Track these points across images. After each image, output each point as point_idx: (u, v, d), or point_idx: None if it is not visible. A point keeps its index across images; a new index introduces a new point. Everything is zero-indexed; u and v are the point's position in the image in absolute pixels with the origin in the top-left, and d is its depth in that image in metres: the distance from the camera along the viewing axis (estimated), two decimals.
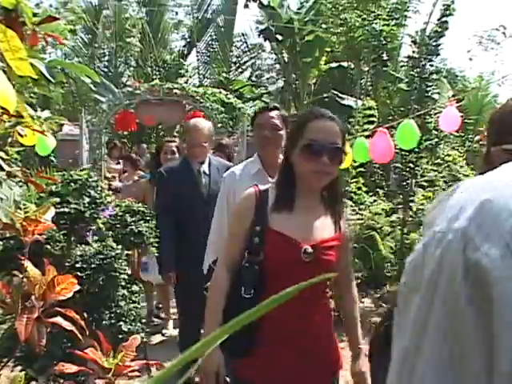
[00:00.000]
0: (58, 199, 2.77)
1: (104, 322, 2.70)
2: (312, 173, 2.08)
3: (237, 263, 2.17)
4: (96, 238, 2.97)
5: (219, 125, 9.13)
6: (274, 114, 3.12)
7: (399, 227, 7.67)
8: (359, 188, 8.34)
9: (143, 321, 2.94)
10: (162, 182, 4.24)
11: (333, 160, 2.07)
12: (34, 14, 1.83)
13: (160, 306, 6.20)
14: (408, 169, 7.69)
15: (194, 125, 4.21)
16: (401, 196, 7.79)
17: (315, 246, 2.11)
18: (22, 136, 2.10)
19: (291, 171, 2.14)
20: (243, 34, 19.83)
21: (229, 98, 11.04)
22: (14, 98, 1.29)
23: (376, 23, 9.81)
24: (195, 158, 4.16)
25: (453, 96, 11.29)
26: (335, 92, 16.12)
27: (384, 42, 9.30)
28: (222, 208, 3.19)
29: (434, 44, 8.51)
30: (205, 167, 4.18)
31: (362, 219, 7.20)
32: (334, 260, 2.17)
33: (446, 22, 8.64)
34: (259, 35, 17.14)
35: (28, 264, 1.77)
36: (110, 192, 5.16)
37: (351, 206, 7.88)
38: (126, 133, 14.06)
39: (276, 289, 1.73)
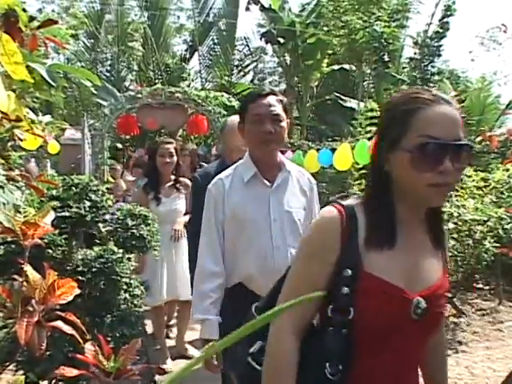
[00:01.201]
0: (59, 203, 2.78)
1: (105, 326, 2.70)
2: (430, 187, 1.35)
3: (308, 323, 1.49)
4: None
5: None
6: (272, 100, 2.44)
7: None
8: (362, 190, 8.33)
9: (145, 324, 2.94)
10: (197, 188, 3.37)
11: (459, 164, 1.36)
12: (33, 18, 1.83)
13: (170, 323, 5.66)
14: None
15: (233, 126, 3.31)
16: None
17: (428, 297, 1.44)
18: (21, 140, 2.10)
19: (388, 185, 1.44)
20: (245, 38, 19.93)
21: (231, 102, 11.05)
22: (5, 100, 1.29)
23: (377, 25, 9.82)
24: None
25: (455, 97, 11.27)
26: (337, 94, 16.15)
27: (385, 44, 9.31)
28: (210, 234, 2.50)
29: (436, 45, 8.52)
30: None
31: None
32: (445, 310, 1.55)
33: (447, 22, 8.67)
34: (261, 38, 17.21)
35: (28, 268, 1.78)
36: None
37: None
38: (128, 137, 14.09)
39: (371, 361, 1.40)
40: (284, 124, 2.46)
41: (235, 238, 2.45)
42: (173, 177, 4.78)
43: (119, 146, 9.68)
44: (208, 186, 2.56)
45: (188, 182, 4.79)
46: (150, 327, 4.91)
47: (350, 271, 1.39)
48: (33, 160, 8.81)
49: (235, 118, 3.44)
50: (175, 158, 4.75)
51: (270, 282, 2.38)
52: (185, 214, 4.68)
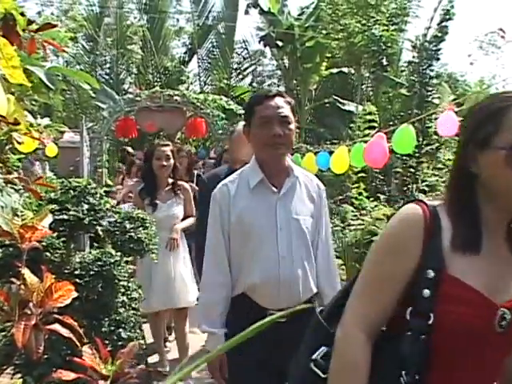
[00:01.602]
0: (57, 206, 2.78)
1: (103, 329, 2.70)
2: None
3: (381, 324, 1.40)
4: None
5: (220, 131, 9.15)
6: (280, 102, 2.31)
7: None
8: (360, 193, 8.35)
9: (143, 327, 2.94)
10: (205, 192, 3.01)
11: None
12: (31, 22, 1.83)
13: (172, 325, 5.28)
14: (409, 174, 7.71)
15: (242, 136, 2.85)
16: (402, 201, 7.80)
17: None
18: (19, 143, 2.11)
19: (474, 188, 1.37)
20: (244, 41, 19.95)
21: (229, 105, 11.06)
22: (5, 104, 1.30)
23: (376, 28, 9.85)
24: None
25: (453, 100, 11.32)
26: (336, 97, 16.18)
27: (384, 47, 9.34)
28: (216, 242, 2.37)
29: (434, 49, 8.55)
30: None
31: (363, 224, 7.20)
32: None
33: (446, 26, 8.69)
34: (260, 41, 17.23)
35: (25, 271, 1.78)
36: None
37: (352, 212, 7.87)
38: (126, 140, 14.09)
39: (449, 373, 1.34)
40: (292, 126, 2.33)
41: (240, 246, 2.35)
42: (170, 180, 4.59)
43: (130, 150, 9.49)
44: (213, 192, 2.43)
45: (186, 185, 4.73)
46: (148, 332, 4.89)
47: (432, 273, 1.31)
48: (37, 163, 8.81)
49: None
50: (172, 161, 4.54)
51: (275, 292, 2.29)
52: (183, 219, 4.56)
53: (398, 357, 1.31)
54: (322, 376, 1.41)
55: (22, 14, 1.74)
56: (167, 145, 4.65)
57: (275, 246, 2.29)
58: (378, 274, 1.39)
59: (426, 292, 1.31)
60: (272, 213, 2.32)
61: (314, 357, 1.44)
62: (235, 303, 2.36)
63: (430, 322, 1.29)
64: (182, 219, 4.57)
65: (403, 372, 1.29)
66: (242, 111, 11.20)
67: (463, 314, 1.29)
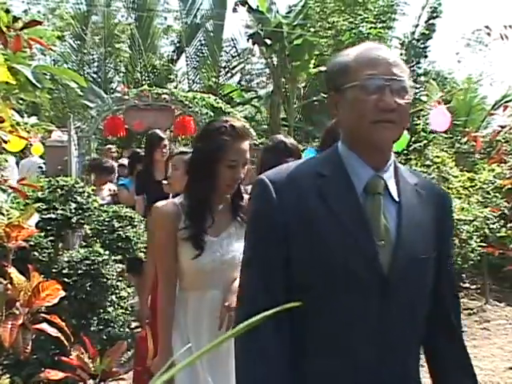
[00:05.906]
0: (44, 205, 2.77)
1: (92, 328, 2.69)
2: None
3: None
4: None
5: None
6: None
7: None
8: None
9: (131, 326, 2.93)
10: (262, 211, 1.44)
11: None
12: (17, 19, 1.82)
13: None
14: None
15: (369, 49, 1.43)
16: None
17: None
18: (5, 142, 2.09)
19: None
20: (232, 39, 19.87)
21: (218, 103, 11.02)
22: None
23: (363, 26, 9.88)
24: (374, 143, 1.38)
25: (441, 97, 11.39)
26: (324, 95, 16.18)
27: None
28: None
29: (422, 46, 8.60)
30: (388, 179, 1.44)
31: None
32: None
33: (434, 24, 8.74)
34: (248, 40, 17.19)
35: (12, 270, 1.77)
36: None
37: None
38: (115, 139, 14.02)
39: None
40: None
41: None
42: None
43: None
44: None
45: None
46: None
47: None
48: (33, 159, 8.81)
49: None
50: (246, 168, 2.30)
51: None
52: None
53: None
54: None
55: (7, 11, 1.73)
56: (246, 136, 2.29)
57: None
58: None
59: None
60: None
61: None
62: None
63: None
64: None
65: None
66: (231, 109, 11.21)
67: None
